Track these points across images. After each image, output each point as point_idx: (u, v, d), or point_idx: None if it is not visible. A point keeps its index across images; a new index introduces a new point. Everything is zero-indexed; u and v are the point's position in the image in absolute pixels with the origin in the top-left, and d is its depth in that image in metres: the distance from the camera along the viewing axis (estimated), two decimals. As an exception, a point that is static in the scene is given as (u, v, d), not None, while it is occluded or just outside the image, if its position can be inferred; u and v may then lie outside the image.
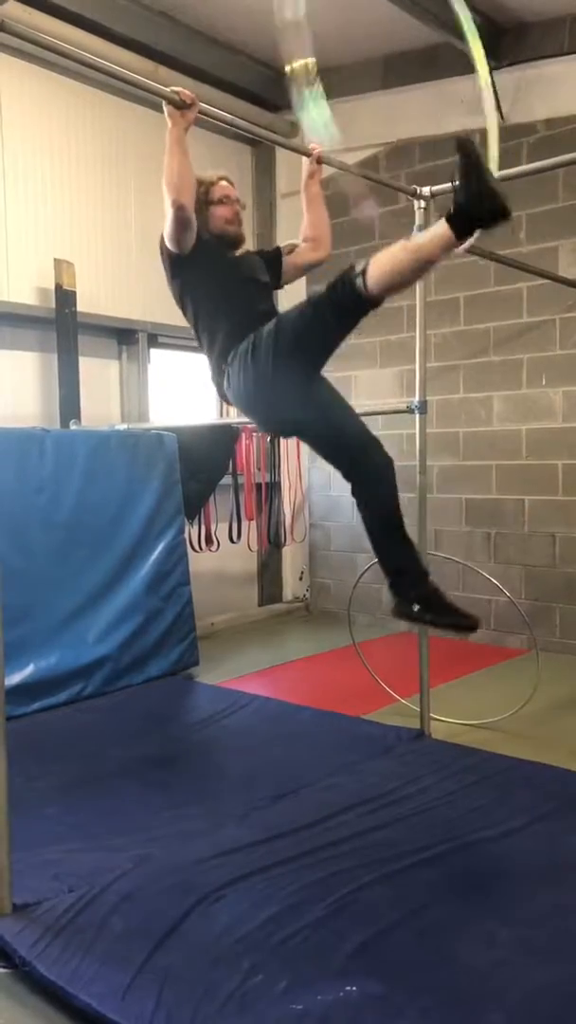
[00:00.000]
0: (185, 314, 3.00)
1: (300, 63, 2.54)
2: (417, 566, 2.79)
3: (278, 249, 3.20)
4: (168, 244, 2.85)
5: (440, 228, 2.26)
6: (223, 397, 2.95)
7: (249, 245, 3.12)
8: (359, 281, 2.36)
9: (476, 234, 2.27)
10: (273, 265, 3.14)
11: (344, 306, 2.45)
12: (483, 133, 4.53)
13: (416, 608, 2.67)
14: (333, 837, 2.53)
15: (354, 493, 2.81)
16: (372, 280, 2.34)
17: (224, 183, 2.99)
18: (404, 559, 2.77)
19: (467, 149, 2.21)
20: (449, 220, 2.23)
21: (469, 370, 5.31)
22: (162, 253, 2.92)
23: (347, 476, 2.81)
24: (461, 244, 2.27)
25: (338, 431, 2.80)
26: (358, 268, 2.38)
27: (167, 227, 2.80)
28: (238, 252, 3.03)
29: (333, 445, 2.84)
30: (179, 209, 2.72)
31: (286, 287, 3.26)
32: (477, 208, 2.20)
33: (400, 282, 2.41)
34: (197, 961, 1.92)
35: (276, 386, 2.64)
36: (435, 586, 2.72)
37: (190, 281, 2.92)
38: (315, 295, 2.59)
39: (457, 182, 2.22)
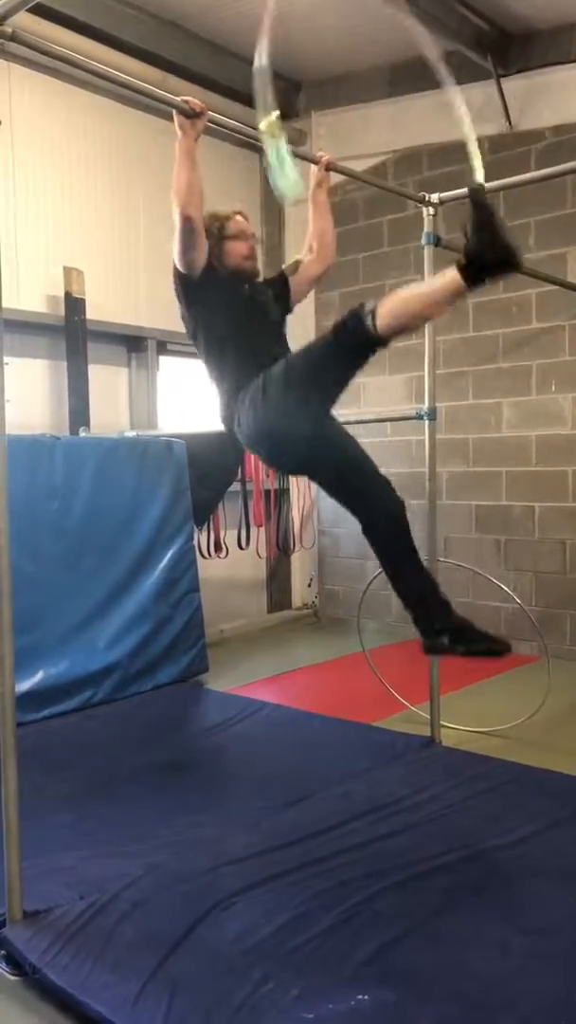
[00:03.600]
0: (196, 346, 2.96)
1: (267, 119, 2.55)
2: (437, 597, 2.71)
3: (283, 275, 3.13)
4: (176, 262, 2.82)
5: (451, 275, 2.28)
6: (232, 434, 2.88)
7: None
8: (368, 320, 2.37)
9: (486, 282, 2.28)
10: (282, 293, 3.09)
11: (352, 345, 2.47)
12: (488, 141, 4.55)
13: (446, 640, 2.59)
14: (344, 845, 2.52)
15: (365, 532, 2.79)
16: (382, 320, 2.36)
17: (239, 218, 2.96)
18: (423, 589, 2.72)
19: (480, 200, 2.26)
20: (460, 269, 2.25)
21: (478, 376, 5.31)
22: (175, 280, 2.87)
23: (356, 514, 2.79)
24: (471, 291, 2.28)
25: (347, 469, 2.81)
26: (368, 307, 2.39)
27: (175, 242, 2.76)
28: (252, 285, 2.97)
29: (343, 483, 2.84)
30: (187, 220, 2.70)
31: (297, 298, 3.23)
32: (489, 257, 2.22)
33: (409, 324, 2.45)
34: (208, 969, 1.91)
35: (286, 423, 2.61)
36: (460, 616, 2.64)
37: (202, 312, 2.89)
38: (323, 334, 2.59)
39: (469, 232, 2.25)
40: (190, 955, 1.97)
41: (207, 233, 2.87)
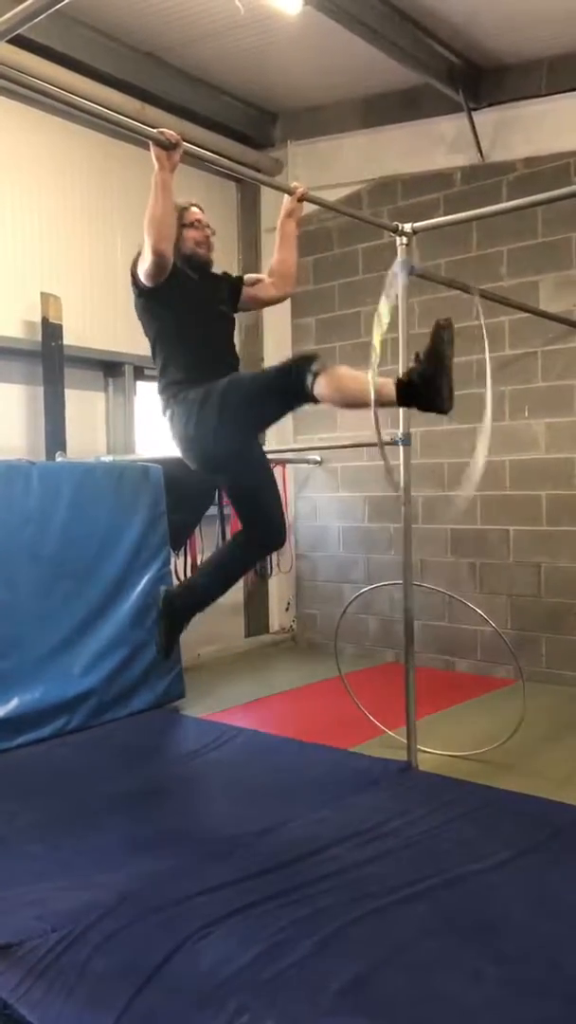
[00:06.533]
0: (146, 332, 3.14)
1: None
2: (199, 606, 3.31)
3: (240, 278, 3.35)
4: (143, 280, 2.98)
5: (389, 386, 2.54)
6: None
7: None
8: (309, 379, 2.60)
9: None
10: (234, 292, 3.29)
11: (290, 391, 2.70)
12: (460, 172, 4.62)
13: (162, 618, 3.32)
14: (320, 872, 2.50)
15: (238, 537, 3.27)
16: (320, 387, 2.60)
17: (195, 209, 3.17)
18: (205, 596, 3.28)
19: (442, 338, 2.43)
20: (398, 385, 2.50)
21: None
22: (133, 277, 3.05)
23: (245, 526, 3.24)
24: (397, 406, 2.58)
25: (257, 491, 3.20)
26: (314, 367, 2.61)
27: (144, 267, 2.92)
28: (205, 275, 3.17)
29: (248, 500, 3.22)
30: (160, 256, 2.83)
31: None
32: (425, 394, 2.48)
33: (339, 402, 2.72)
34: (182, 1002, 1.89)
35: (216, 437, 2.85)
36: (181, 625, 3.35)
37: (154, 303, 3.06)
38: (270, 370, 2.83)
39: (422, 361, 2.46)
40: (164, 987, 1.94)
41: None
